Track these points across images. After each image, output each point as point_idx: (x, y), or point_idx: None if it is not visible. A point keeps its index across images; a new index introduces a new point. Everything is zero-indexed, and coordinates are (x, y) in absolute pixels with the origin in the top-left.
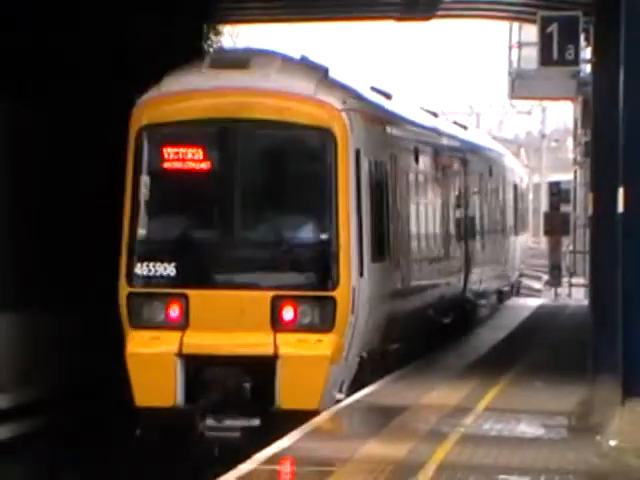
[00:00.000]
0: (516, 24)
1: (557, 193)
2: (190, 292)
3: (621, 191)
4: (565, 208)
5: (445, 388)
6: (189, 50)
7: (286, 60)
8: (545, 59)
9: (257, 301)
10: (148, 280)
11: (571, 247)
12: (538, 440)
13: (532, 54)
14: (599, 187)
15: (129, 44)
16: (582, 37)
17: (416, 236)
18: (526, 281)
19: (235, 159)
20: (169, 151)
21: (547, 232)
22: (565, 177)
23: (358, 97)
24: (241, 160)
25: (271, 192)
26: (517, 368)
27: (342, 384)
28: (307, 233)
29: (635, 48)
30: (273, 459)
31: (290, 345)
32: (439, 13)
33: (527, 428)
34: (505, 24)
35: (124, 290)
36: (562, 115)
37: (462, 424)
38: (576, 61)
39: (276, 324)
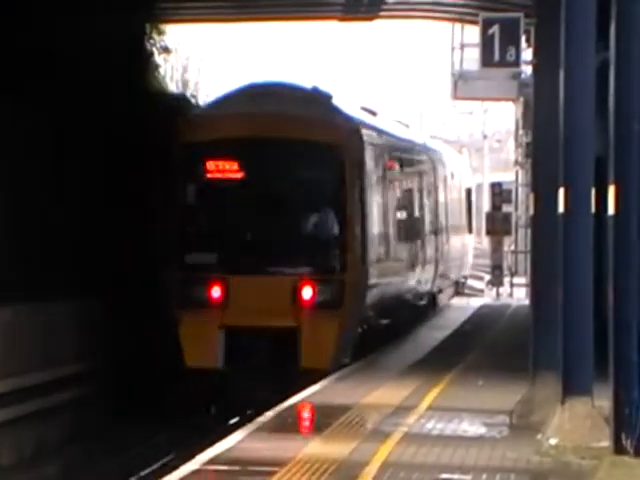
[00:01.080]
0: (459, 25)
1: (499, 193)
2: (229, 277)
3: (561, 192)
4: (507, 208)
5: (389, 387)
6: (132, 49)
7: (301, 90)
8: (486, 60)
9: (283, 283)
10: (196, 268)
11: (513, 247)
12: (480, 439)
13: (474, 55)
14: (540, 188)
15: (68, 44)
16: (523, 38)
17: (402, 234)
18: (468, 281)
19: (265, 169)
20: (211, 163)
21: (489, 232)
22: (507, 177)
23: (356, 117)
24: (269, 170)
25: (294, 197)
26: (460, 367)
27: (347, 350)
28: (323, 230)
29: (574, 50)
30: (215, 460)
31: (309, 318)
32: (382, 14)
33: (469, 427)
34: (448, 25)
35: (177, 276)
36: (504, 116)
37: (405, 423)
38: (517, 62)
39: (298, 301)
